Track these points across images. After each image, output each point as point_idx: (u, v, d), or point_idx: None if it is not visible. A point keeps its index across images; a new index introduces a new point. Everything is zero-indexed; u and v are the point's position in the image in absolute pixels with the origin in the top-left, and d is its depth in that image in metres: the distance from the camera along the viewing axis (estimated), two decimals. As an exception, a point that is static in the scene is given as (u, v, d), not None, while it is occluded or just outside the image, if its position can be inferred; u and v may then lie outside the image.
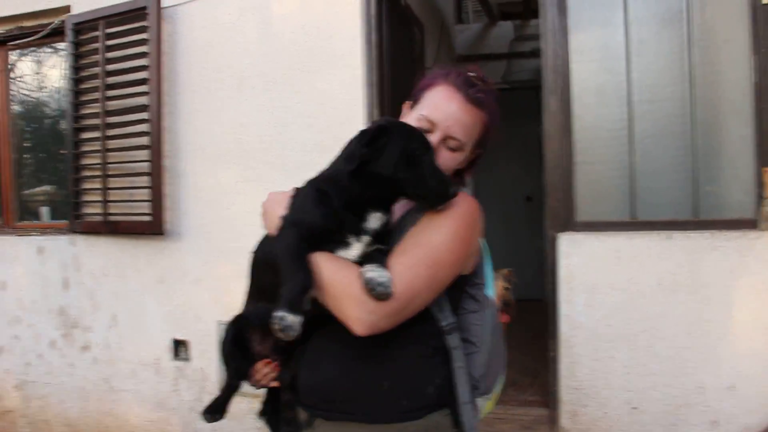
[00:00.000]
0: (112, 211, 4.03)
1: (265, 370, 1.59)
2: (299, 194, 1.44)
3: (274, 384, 1.60)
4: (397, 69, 3.93)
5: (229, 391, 1.62)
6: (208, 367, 3.89)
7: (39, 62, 4.78)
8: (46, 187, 4.90)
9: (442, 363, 1.48)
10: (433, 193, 1.38)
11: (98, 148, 4.06)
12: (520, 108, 7.03)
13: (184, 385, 3.97)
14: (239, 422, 3.67)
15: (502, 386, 1.65)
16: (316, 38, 3.63)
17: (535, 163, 7.24)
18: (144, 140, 3.88)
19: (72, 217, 4.19)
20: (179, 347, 4.00)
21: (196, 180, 3.92)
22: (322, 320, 1.42)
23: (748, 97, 3.17)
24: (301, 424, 1.53)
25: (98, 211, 4.09)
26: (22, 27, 4.49)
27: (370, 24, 3.60)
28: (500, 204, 7.36)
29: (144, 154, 3.89)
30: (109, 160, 4.03)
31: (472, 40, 7.57)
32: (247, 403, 3.33)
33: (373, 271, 1.29)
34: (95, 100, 4.07)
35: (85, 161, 4.19)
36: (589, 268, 3.27)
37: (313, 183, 1.45)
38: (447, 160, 1.49)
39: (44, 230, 4.49)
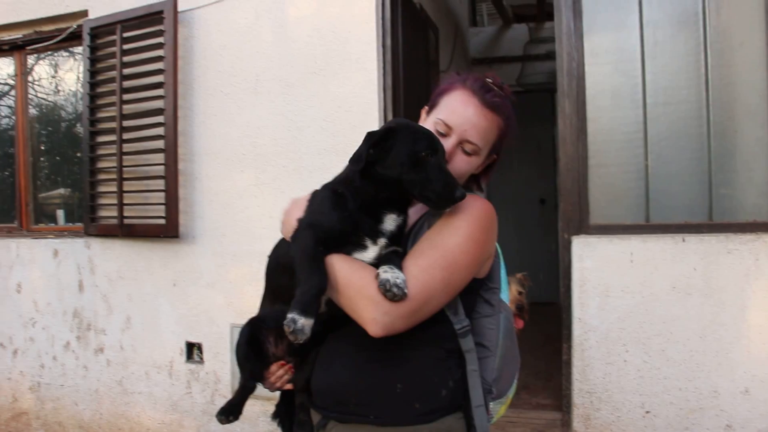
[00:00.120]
0: (127, 214, 4.05)
1: (279, 372, 1.59)
2: (316, 197, 1.45)
3: (289, 386, 1.60)
4: (411, 72, 3.92)
5: (243, 392, 1.63)
6: (221, 370, 3.91)
7: (56, 66, 4.83)
8: (62, 190, 4.93)
9: (455, 366, 1.48)
10: (438, 195, 1.37)
11: (114, 151, 4.08)
12: (534, 111, 7.04)
13: (197, 387, 3.99)
14: (252, 425, 3.68)
15: (515, 390, 1.65)
16: (331, 42, 3.64)
17: (549, 166, 7.28)
18: (159, 144, 3.91)
19: (87, 220, 4.22)
20: (192, 350, 4.01)
21: (210, 183, 3.94)
22: (337, 322, 1.43)
23: (764, 100, 3.15)
24: (314, 426, 1.54)
25: (113, 214, 4.11)
26: (39, 31, 4.54)
27: (385, 27, 3.60)
28: (514, 206, 7.36)
29: (159, 157, 3.91)
30: (124, 164, 4.05)
31: (486, 43, 7.57)
32: (260, 405, 3.35)
33: (388, 273, 1.29)
34: (111, 104, 4.10)
35: (101, 164, 4.22)
36: (603, 272, 3.25)
37: (328, 185, 1.46)
38: (463, 164, 1.49)
39: (60, 233, 4.53)
